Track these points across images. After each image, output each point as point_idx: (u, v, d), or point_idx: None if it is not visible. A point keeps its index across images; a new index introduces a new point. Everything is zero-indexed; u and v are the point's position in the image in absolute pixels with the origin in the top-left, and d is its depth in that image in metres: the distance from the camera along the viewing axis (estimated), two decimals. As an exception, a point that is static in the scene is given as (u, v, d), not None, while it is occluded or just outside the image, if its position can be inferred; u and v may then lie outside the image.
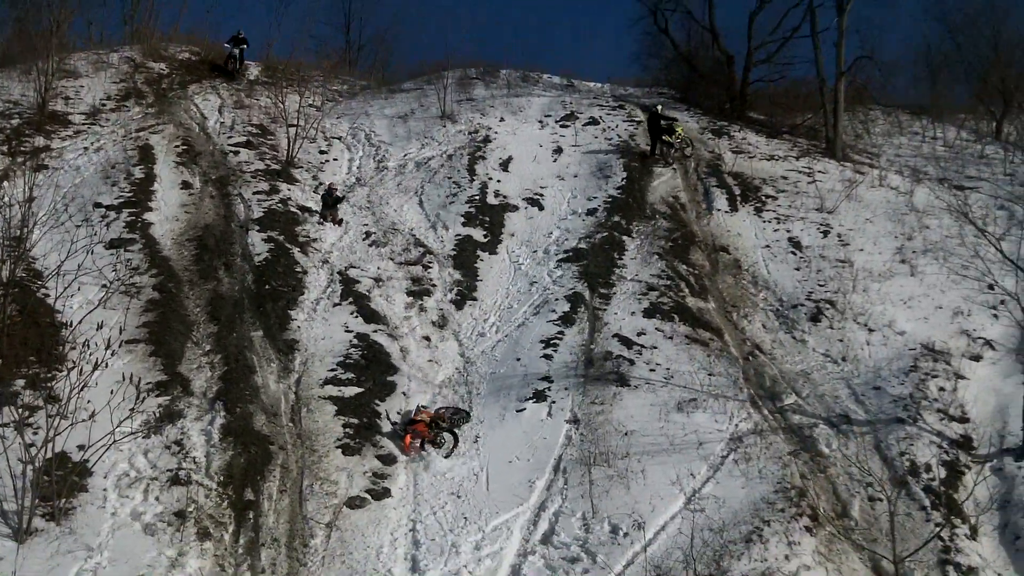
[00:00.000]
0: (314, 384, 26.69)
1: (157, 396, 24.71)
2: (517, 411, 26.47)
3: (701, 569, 20.95)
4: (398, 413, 25.84)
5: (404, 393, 27.03)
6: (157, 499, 22.02)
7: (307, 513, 22.69)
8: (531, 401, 26.72)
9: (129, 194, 33.58)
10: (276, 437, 24.67)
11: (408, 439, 24.76)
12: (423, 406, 25.72)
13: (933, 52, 54.88)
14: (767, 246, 34.69)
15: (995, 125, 49.24)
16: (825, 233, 35.32)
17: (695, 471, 24.06)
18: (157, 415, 24.06)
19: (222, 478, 22.94)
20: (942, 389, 27.52)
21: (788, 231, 35.56)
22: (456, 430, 25.29)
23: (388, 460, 24.66)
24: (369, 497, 23.43)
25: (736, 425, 25.81)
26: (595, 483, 23.69)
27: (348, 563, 21.56)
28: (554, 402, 26.62)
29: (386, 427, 25.42)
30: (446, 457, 24.74)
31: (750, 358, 29.16)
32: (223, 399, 25.20)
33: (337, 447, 24.71)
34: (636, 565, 21.39)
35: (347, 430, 25.27)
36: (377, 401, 26.45)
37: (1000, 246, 27.40)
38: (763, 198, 37.95)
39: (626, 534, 22.27)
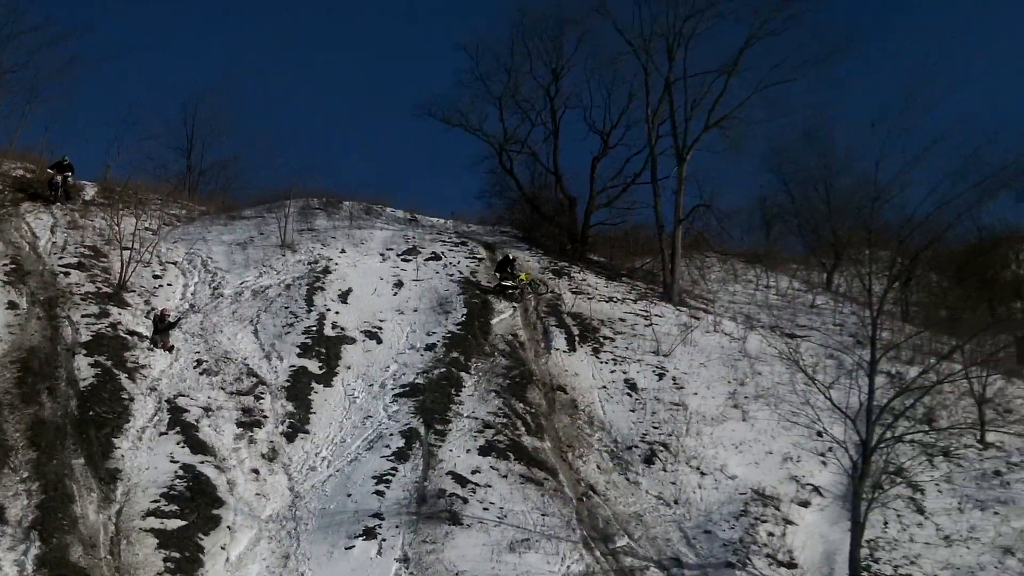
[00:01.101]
0: (136, 515, 26.03)
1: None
2: (346, 548, 26.15)
3: None
4: None
5: (229, 527, 26.53)
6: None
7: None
8: (361, 538, 26.44)
9: (-50, 314, 32.75)
10: (93, 570, 23.91)
11: None
12: None
13: (769, 203, 57.26)
14: (604, 387, 35.23)
15: (826, 276, 51.20)
16: (660, 376, 36.05)
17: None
18: (-38, 549, 23.26)
19: (33, 618, 22.19)
20: (771, 534, 28.11)
21: (624, 372, 36.19)
22: None
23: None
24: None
25: (568, 567, 25.92)
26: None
27: None
28: (384, 540, 26.39)
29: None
30: None
31: (584, 499, 29.42)
32: (39, 528, 24.40)
33: (161, 583, 24.12)
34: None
35: (168, 564, 24.64)
36: (201, 535, 25.90)
37: (829, 394, 28.25)
38: (601, 339, 38.60)
39: None
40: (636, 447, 31.89)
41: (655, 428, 32.89)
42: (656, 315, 41.17)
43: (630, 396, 34.80)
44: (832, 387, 29.76)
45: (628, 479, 30.52)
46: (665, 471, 30.74)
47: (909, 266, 40.38)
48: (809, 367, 32.88)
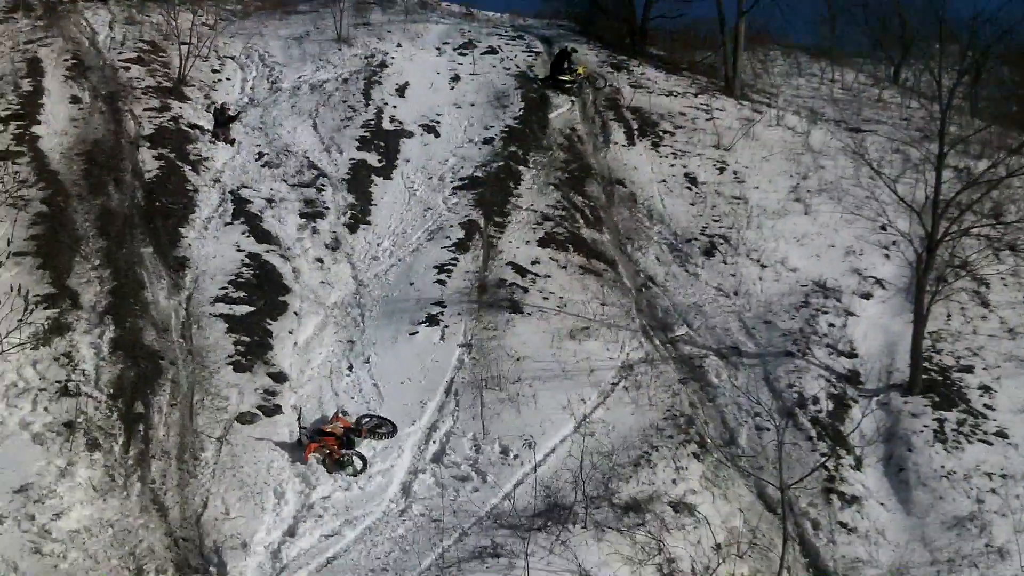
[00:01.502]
0: (205, 301, 27.01)
1: (46, 308, 24.86)
2: (410, 334, 27.05)
3: (590, 490, 21.79)
4: (301, 426, 23.52)
5: (296, 313, 27.45)
6: (46, 409, 22.32)
7: (197, 427, 23.14)
8: (424, 325, 27.30)
9: (17, 107, 33.31)
10: (166, 352, 25.03)
11: (311, 450, 22.95)
12: (343, 412, 24.26)
13: (834, -5, 56.04)
14: (663, 181, 35.51)
15: (893, 70, 50.63)
16: (721, 170, 36.23)
17: (586, 397, 24.89)
18: (46, 327, 24.23)
19: (112, 391, 23.29)
20: (832, 325, 28.64)
21: (684, 167, 36.41)
22: (375, 441, 23.74)
23: (279, 378, 25.12)
24: (260, 413, 23.90)
25: (627, 354, 26.68)
26: (486, 406, 24.43)
27: (239, 476, 22.07)
28: (447, 326, 27.24)
29: (291, 423, 24.09)
30: (349, 478, 23.00)
31: (643, 289, 30.05)
32: (112, 313, 25.45)
33: (228, 364, 25.12)
34: (525, 485, 22.18)
35: (238, 347, 25.68)
36: (269, 321, 26.88)
37: (894, 188, 28.40)
38: (660, 133, 38.71)
39: (516, 455, 23.08)
40: (696, 240, 32.32)
41: (715, 221, 33.25)
42: (717, 109, 41.08)
43: (690, 190, 35.08)
44: (898, 181, 29.98)
45: (687, 271, 31.03)
46: (725, 263, 31.21)
47: (979, 60, 40.02)
48: (874, 161, 33.04)
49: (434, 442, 23.70)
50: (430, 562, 20.21)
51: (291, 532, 20.98)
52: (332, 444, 22.86)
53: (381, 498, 22.24)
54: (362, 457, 22.90)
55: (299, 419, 23.45)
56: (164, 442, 22.57)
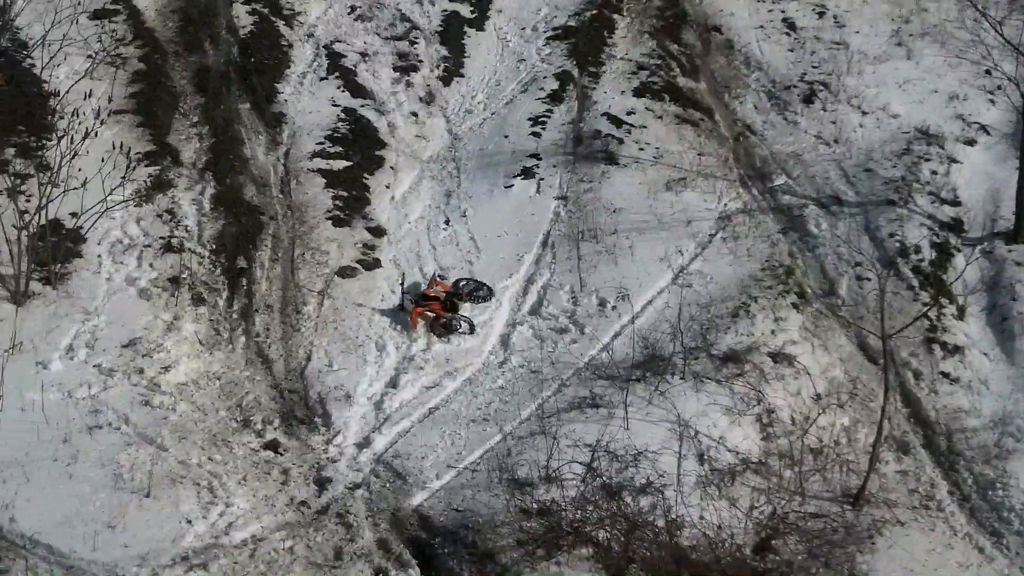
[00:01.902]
0: (302, 157, 27.10)
1: (147, 166, 25.12)
2: (505, 187, 26.97)
3: (688, 341, 21.76)
4: (402, 287, 23.61)
5: (392, 167, 27.45)
6: (151, 265, 22.69)
7: (299, 281, 23.46)
8: (519, 178, 27.17)
9: (110, -37, 33.36)
10: (267, 208, 25.26)
11: (416, 314, 22.87)
12: (440, 275, 24.36)
13: None
14: (760, 26, 34.68)
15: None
16: (820, 14, 35.25)
17: (683, 248, 24.72)
18: (148, 184, 24.53)
19: (214, 246, 23.63)
20: (935, 172, 27.98)
21: (783, 12, 35.45)
22: (476, 303, 23.75)
23: (377, 232, 25.28)
24: (360, 267, 24.13)
25: (725, 204, 26.39)
26: (583, 258, 24.38)
27: (340, 329, 22.39)
28: (542, 179, 27.09)
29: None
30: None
31: (740, 139, 29.58)
32: (212, 169, 25.68)
33: (327, 218, 25.31)
34: (623, 336, 22.22)
35: (336, 202, 25.82)
36: (366, 175, 26.94)
37: (1001, 30, 27.48)
38: (758, -22, 37.73)
39: (614, 307, 23.08)
40: (795, 87, 31.63)
41: (815, 68, 32.48)
42: (816, -48, 39.91)
43: (788, 35, 34.22)
44: (1004, 23, 28.96)
45: (786, 119, 30.45)
46: (825, 110, 30.56)
47: None
48: (979, 2, 31.97)
49: (532, 295, 23.77)
50: (530, 412, 20.43)
51: (393, 384, 21.28)
52: (437, 308, 22.88)
53: (480, 350, 22.45)
54: (469, 321, 22.93)
55: (401, 283, 23.49)
56: (267, 296, 22.93)
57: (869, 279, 24.13)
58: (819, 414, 20.75)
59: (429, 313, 22.78)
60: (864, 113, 30.33)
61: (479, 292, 23.74)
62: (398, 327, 22.67)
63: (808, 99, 31.04)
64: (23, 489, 17.02)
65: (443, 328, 22.68)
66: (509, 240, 25.22)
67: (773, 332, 22.41)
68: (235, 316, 22.24)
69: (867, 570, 18.03)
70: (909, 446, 21.17)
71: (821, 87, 31.43)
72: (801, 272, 24.55)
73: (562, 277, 24.04)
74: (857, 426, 21.09)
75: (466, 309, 23.25)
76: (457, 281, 23.88)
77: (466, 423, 20.34)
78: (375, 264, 24.37)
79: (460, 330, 22.74)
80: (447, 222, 26.02)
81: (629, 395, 20.08)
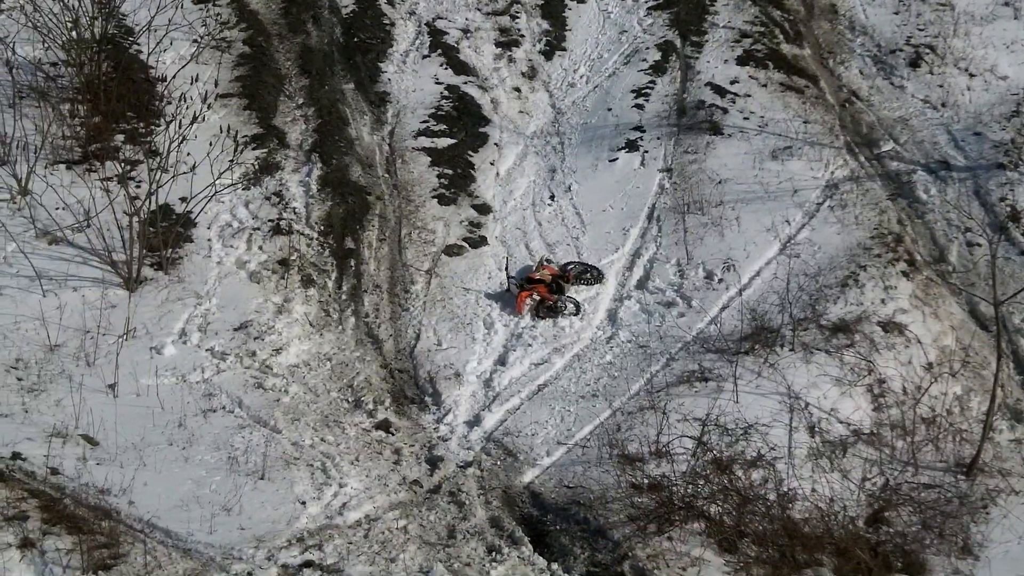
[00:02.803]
0: (407, 135, 27.15)
1: (254, 149, 25.31)
2: (609, 161, 26.77)
3: (796, 312, 21.41)
4: (507, 271, 23.43)
5: (496, 144, 27.39)
6: (260, 248, 22.86)
7: (406, 260, 23.51)
8: (623, 151, 26.96)
9: (213, -53, 33.63)
10: (372, 187, 25.32)
11: (523, 298, 22.69)
12: (547, 259, 24.05)
13: None
14: (865, -10, 34.06)
15: None
16: (925, -25, 34.56)
17: (790, 218, 24.34)
18: (256, 167, 24.73)
19: (322, 227, 23.73)
20: (1046, 134, 27.34)
21: (886, -27, 34.81)
22: (585, 285, 23.44)
23: (483, 210, 25.24)
24: (466, 245, 24.11)
25: (832, 172, 25.93)
26: (689, 231, 24.12)
27: (448, 308, 22.39)
28: (647, 151, 26.85)
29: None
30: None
31: (846, 105, 29.05)
32: (319, 151, 25.79)
33: (433, 197, 25.35)
34: (731, 309, 21.92)
35: (442, 180, 25.83)
36: (470, 152, 26.91)
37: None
38: (860, -58, 37.00)
39: (720, 279, 22.79)
40: (901, 50, 30.96)
41: (920, 30, 31.75)
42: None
43: (893, -3, 33.61)
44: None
45: (892, 83, 29.84)
46: (932, 74, 29.88)
47: None
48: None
49: (638, 269, 23.57)
50: (639, 387, 20.19)
51: (502, 361, 21.19)
52: (543, 292, 22.66)
53: (588, 326, 22.29)
54: (575, 302, 22.67)
55: (506, 268, 23.35)
56: (375, 276, 23.00)
57: (980, 245, 23.62)
58: (931, 383, 20.29)
59: (536, 296, 22.65)
60: (972, 76, 29.62)
61: (587, 275, 23.49)
62: (506, 308, 22.62)
63: (914, 63, 30.39)
64: (140, 473, 17.19)
65: (548, 311, 22.49)
66: (614, 214, 25.05)
67: (883, 301, 21.94)
68: (344, 297, 22.34)
69: (982, 540, 17.64)
70: (1023, 414, 20.68)
71: (927, 50, 30.73)
72: (910, 239, 24.04)
73: (668, 250, 23.81)
74: (970, 395, 20.58)
75: (573, 291, 23.08)
76: (565, 265, 23.67)
77: (575, 399, 20.17)
78: (481, 242, 24.33)
79: (566, 311, 22.51)
80: (552, 197, 25.90)
81: (738, 368, 19.80)
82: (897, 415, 19.69)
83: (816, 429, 19.09)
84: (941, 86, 29.36)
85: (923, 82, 29.66)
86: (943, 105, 28.66)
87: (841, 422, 19.31)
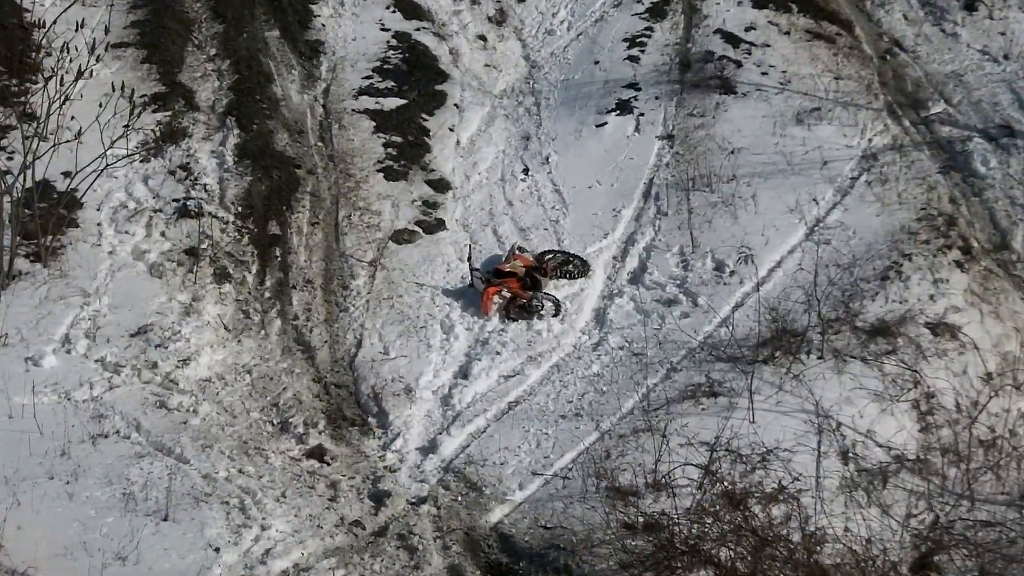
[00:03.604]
0: (346, 95, 27.16)
1: (155, 111, 25.27)
2: (597, 126, 26.85)
3: (826, 312, 21.43)
4: (470, 261, 23.34)
5: (456, 105, 27.46)
6: (163, 235, 22.77)
7: (345, 249, 23.52)
8: (614, 114, 27.05)
9: None
10: (303, 159, 25.35)
11: (490, 296, 22.67)
12: (520, 247, 24.01)
13: None
14: (910, -85, 34.24)
15: None
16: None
17: (818, 196, 24.44)
18: (157, 134, 24.65)
19: (240, 209, 23.71)
20: None
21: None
22: (567, 279, 23.49)
23: (440, 186, 25.27)
24: (419, 230, 24.14)
25: (870, 139, 26.06)
26: (695, 211, 24.21)
27: (397, 307, 22.37)
28: (642, 114, 26.94)
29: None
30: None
31: (887, 57, 29.21)
32: (235, 114, 25.77)
33: (378, 170, 25.38)
34: (747, 307, 21.95)
35: (389, 150, 25.86)
36: (424, 116, 26.92)
37: None
38: None
39: (733, 271, 22.83)
40: (953, -11, 31.30)
41: (978, -36, 32.06)
42: None
43: (944, -74, 33.81)
44: None
45: (943, 31, 30.01)
46: (991, 18, 30.04)
47: None
48: None
49: (632, 259, 23.62)
50: (633, 404, 20.14)
51: (463, 373, 21.17)
52: (515, 287, 22.62)
53: (571, 329, 22.29)
54: (555, 300, 22.67)
55: (469, 258, 23.30)
56: (306, 269, 22.98)
57: (1051, 228, 23.86)
58: (990, 398, 20.32)
59: (505, 294, 22.62)
60: (1037, 18, 29.86)
61: (569, 267, 23.49)
62: (469, 307, 22.62)
63: (970, 5, 30.58)
64: (13, 514, 17.01)
65: (521, 311, 22.45)
66: (603, 192, 25.11)
67: (932, 297, 22.00)
68: (268, 295, 22.32)
69: (1053, 589, 17.77)
70: (1104, 436, 20.84)
71: (987, -10, 30.96)
72: (965, 222, 24.15)
73: (669, 236, 23.88)
74: (1038, 412, 20.78)
75: (552, 287, 23.09)
76: (542, 254, 23.62)
77: (554, 420, 20.12)
78: (438, 226, 24.37)
79: (542, 312, 22.51)
80: (526, 171, 25.95)
81: (755, 380, 19.81)
82: (949, 437, 19.75)
83: (850, 455, 19.13)
84: (1003, 33, 29.54)
85: (981, 29, 29.83)
86: (1005, 58, 28.82)
87: (881, 446, 19.35)
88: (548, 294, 22.72)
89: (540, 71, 28.79)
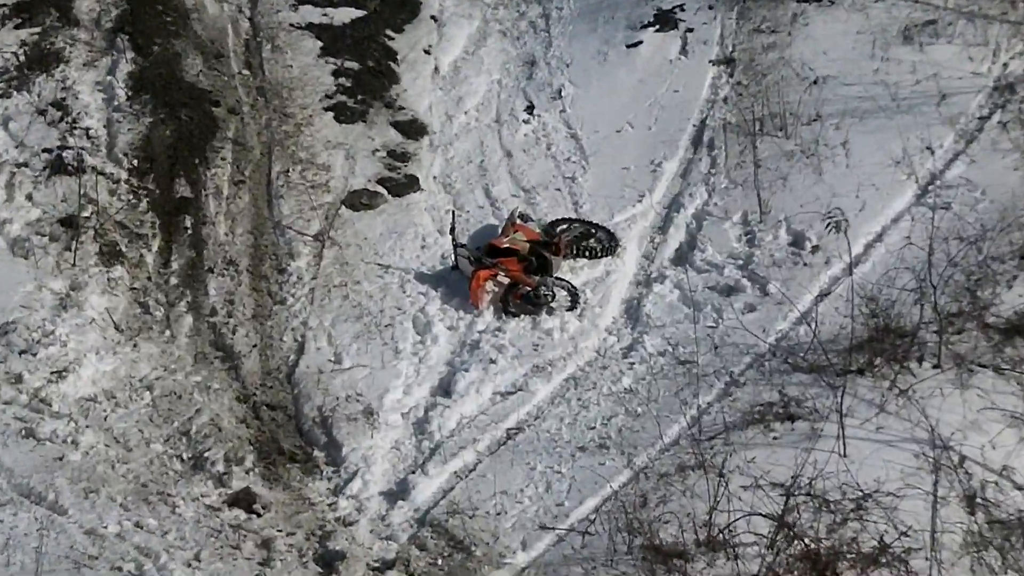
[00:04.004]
0: (282, 3, 27.21)
1: (17, 27, 25.34)
2: (627, 47, 26.98)
3: (945, 303, 21.44)
4: (453, 231, 23.23)
5: (434, 18, 27.54)
6: (29, 199, 22.86)
7: (282, 218, 23.57)
8: (651, 29, 27.17)
9: None
10: (223, 94, 25.42)
11: (481, 282, 22.58)
12: (522, 215, 23.97)
13: None
14: None
15: None
16: None
17: (934, 142, 24.45)
18: (21, 58, 24.68)
19: (136, 163, 23.79)
20: None
21: None
22: (587, 258, 23.45)
23: (413, 130, 25.30)
24: (383, 191, 24.22)
25: (1005, 65, 26.06)
26: (764, 165, 24.23)
27: (354, 298, 22.39)
28: (691, 30, 27.04)
29: (439, 251, 23.95)
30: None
31: (1029, -50, 29.26)
32: (129, 31, 25.78)
33: (326, 109, 25.47)
34: (835, 296, 21.90)
35: (341, 81, 25.93)
36: (389, 32, 26.93)
37: None
38: None
39: (816, 247, 22.82)
40: None
41: None
42: None
43: None
44: None
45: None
46: None
47: None
48: None
49: (677, 230, 23.61)
50: (678, 431, 20.11)
51: (445, 389, 21.14)
52: (515, 270, 22.63)
53: (592, 328, 22.32)
54: (570, 288, 22.63)
55: (453, 230, 23.19)
56: (227, 246, 23.01)
57: None
58: None
59: (502, 279, 22.60)
60: None
61: (590, 241, 23.52)
62: (453, 298, 22.64)
63: None
64: None
65: (524, 303, 22.45)
66: (636, 138, 25.17)
67: (1092, 284, 22.10)
68: (174, 281, 22.34)
69: None
70: None
71: None
72: None
73: (728, 199, 23.94)
74: None
75: (566, 269, 23.09)
76: (553, 224, 23.65)
77: (570, 453, 20.09)
78: (409, 185, 24.47)
79: (552, 304, 22.47)
80: (530, 110, 26.03)
81: (847, 397, 19.76)
82: (1116, 477, 19.85)
83: (978, 500, 19.15)
84: None
85: None
86: None
87: (1021, 489, 19.40)
88: (561, 279, 22.72)
89: (549, -32, 28.90)
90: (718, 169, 24.32)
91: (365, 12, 27.11)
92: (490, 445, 20.29)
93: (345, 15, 26.96)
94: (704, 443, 19.62)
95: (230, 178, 23.88)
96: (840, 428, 19.19)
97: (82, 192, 22.79)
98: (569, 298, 22.44)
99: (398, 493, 19.59)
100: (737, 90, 25.68)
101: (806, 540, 17.99)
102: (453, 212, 23.66)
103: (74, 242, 22.20)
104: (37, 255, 22.02)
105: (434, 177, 24.53)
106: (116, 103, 24.51)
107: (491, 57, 27.04)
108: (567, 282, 22.63)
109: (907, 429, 19.54)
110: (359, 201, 23.82)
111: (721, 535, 18.21)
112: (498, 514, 19.21)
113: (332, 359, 21.50)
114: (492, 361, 21.53)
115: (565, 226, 23.47)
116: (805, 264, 22.58)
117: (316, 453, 20.22)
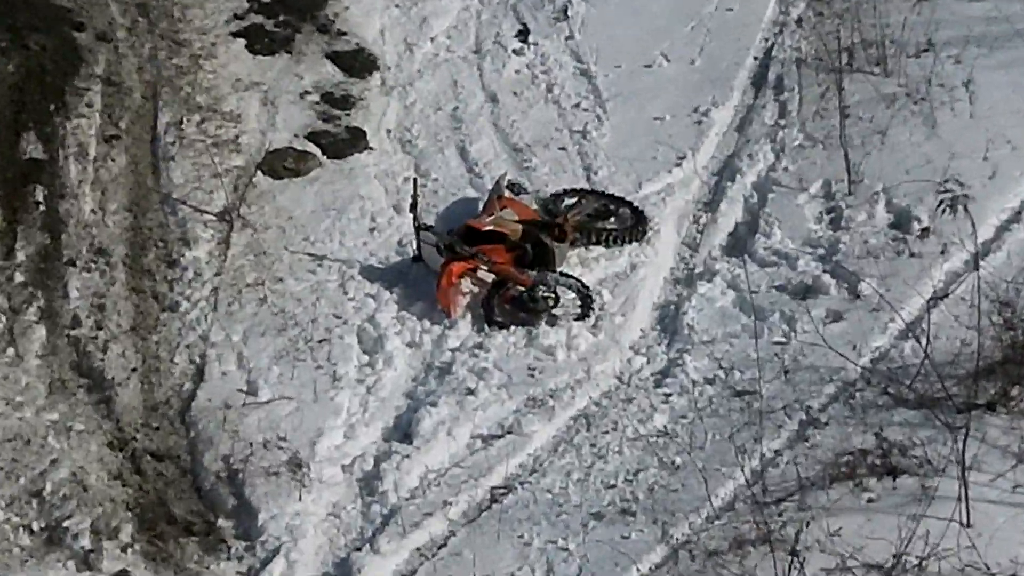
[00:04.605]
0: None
1: None
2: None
3: (1102, 310, 21.48)
4: (413, 207, 22.91)
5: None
6: None
7: (172, 190, 23.55)
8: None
9: None
10: (90, 12, 25.43)
11: (452, 277, 22.45)
12: (513, 184, 24.00)
13: None
14: None
15: None
16: None
17: (1094, 81, 24.55)
18: None
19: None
20: None
21: None
22: (605, 245, 23.40)
23: (356, 64, 25.35)
24: (316, 151, 24.21)
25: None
26: (853, 115, 24.21)
27: (276, 302, 22.40)
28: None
29: (394, 233, 24.18)
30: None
31: None
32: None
33: (234, 35, 25.41)
34: (953, 300, 21.91)
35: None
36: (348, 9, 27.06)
37: None
38: None
39: (926, 229, 22.86)
40: None
41: None
42: None
43: None
44: None
45: None
46: None
47: None
48: None
49: (731, 206, 23.58)
50: (733, 492, 20.08)
51: (403, 432, 21.12)
52: (502, 262, 22.61)
53: (611, 345, 22.27)
54: (580, 288, 22.56)
55: (414, 206, 22.92)
56: (96, 228, 22.93)
57: None
58: None
59: (484, 276, 22.58)
60: None
61: (609, 221, 23.54)
62: (415, 301, 22.57)
63: None
64: None
65: (515, 308, 22.43)
66: (672, 76, 25.25)
67: None
68: (20, 278, 22.30)
69: None
70: None
71: None
72: None
73: (804, 162, 23.97)
74: None
75: (575, 261, 23.02)
76: (557, 198, 23.71)
77: (580, 522, 19.98)
78: (353, 143, 24.44)
79: (555, 309, 22.46)
80: (523, 35, 26.02)
81: (971, 443, 19.75)
82: None
83: None
84: None
85: None
86: None
87: None
88: (567, 275, 22.67)
89: None
90: (789, 120, 24.34)
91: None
92: (467, 511, 20.17)
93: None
94: (770, 507, 19.52)
95: (99, 132, 23.86)
96: (962, 487, 19.07)
97: None
98: (579, 302, 22.37)
99: (337, 580, 19.59)
100: (816, 8, 25.70)
101: (915, 645, 18.01)
102: (415, 180, 23.42)
103: None
104: None
105: (388, 131, 24.55)
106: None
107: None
108: (576, 279, 22.55)
109: (1057, 488, 19.54)
110: (282, 165, 23.82)
111: (795, 638, 18.20)
112: (479, 611, 19.19)
113: (244, 389, 21.47)
114: (470, 391, 21.44)
115: (573, 200, 23.45)
116: (912, 254, 22.55)
117: (221, 522, 20.12)
